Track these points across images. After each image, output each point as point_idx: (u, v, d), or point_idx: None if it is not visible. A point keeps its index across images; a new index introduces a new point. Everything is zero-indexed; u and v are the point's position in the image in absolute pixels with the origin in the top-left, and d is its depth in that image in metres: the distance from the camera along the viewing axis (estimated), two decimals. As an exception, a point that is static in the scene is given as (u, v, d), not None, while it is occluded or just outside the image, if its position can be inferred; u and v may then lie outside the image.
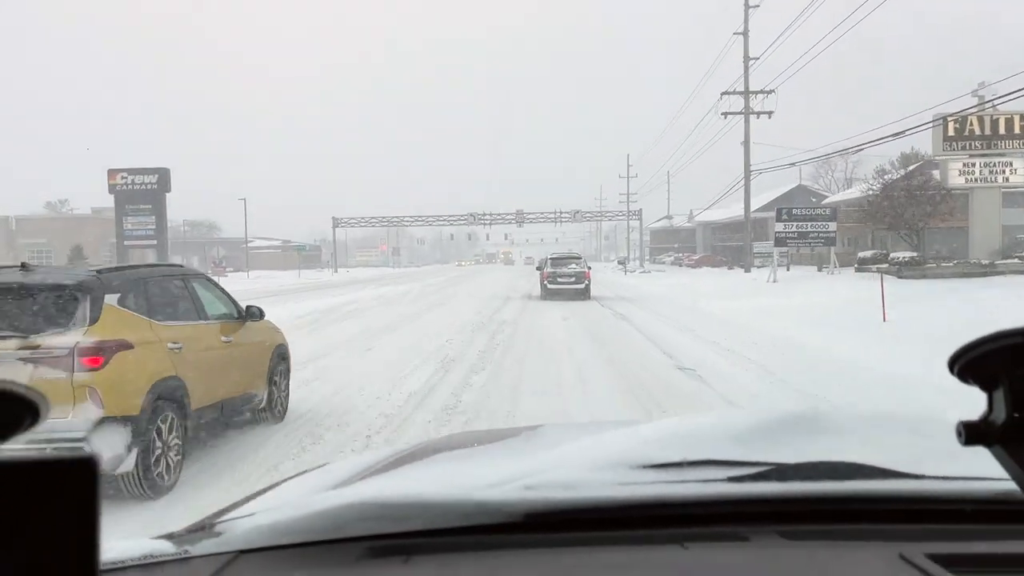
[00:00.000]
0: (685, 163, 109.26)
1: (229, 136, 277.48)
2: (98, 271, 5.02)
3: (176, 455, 5.06)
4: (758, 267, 54.48)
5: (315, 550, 1.01)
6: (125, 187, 51.82)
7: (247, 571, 0.99)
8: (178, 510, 4.49)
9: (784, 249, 34.87)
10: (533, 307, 22.68)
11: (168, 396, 4.95)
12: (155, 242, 52.83)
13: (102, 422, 4.41)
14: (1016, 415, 0.70)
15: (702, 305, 21.45)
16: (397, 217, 79.65)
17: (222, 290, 6.71)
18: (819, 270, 37.85)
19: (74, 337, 4.45)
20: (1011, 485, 0.73)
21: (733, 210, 66.37)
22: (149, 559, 1.02)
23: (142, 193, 51.96)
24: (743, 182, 42.47)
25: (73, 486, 0.41)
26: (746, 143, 41.07)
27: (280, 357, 7.16)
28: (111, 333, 4.62)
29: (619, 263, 68.52)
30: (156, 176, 52.34)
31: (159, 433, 4.83)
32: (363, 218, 79.18)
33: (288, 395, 7.38)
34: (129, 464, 4.52)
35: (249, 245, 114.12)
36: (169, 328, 5.30)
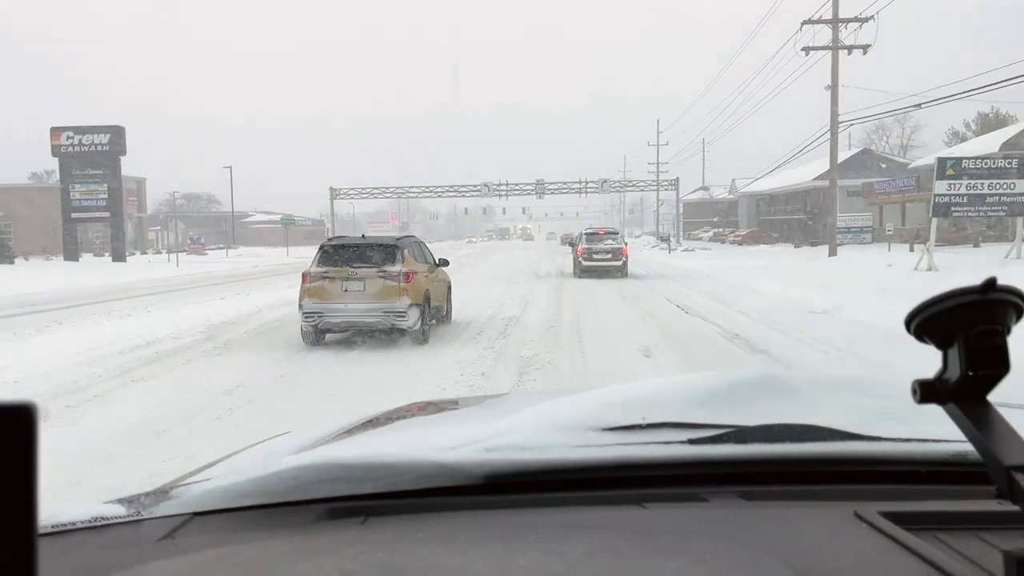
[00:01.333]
0: (726, 127, 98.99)
1: (237, 107, 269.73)
2: (397, 239, 11.32)
3: (426, 326, 10.97)
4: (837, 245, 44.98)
5: (272, 512, 1.00)
6: (71, 149, 43.27)
7: (200, 533, 0.98)
8: (433, 348, 10.20)
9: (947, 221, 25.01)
10: (570, 287, 19.87)
11: (426, 298, 10.87)
12: (108, 214, 44.32)
13: (409, 306, 10.34)
14: (969, 373, 0.72)
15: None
16: (402, 187, 70.64)
17: (430, 251, 12.75)
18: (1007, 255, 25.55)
19: (398, 268, 10.52)
20: (965, 447, 0.75)
21: (784, 178, 56.82)
22: (99, 521, 1.02)
23: (92, 156, 43.42)
24: (813, 143, 33.33)
25: (9, 433, 0.40)
26: (833, 86, 31.80)
27: (449, 289, 13.02)
28: (409, 267, 10.70)
29: (661, 240, 59.31)
30: (108, 136, 43.73)
31: (423, 313, 10.72)
32: (364, 188, 70.33)
33: (452, 309, 13.17)
34: (417, 325, 10.48)
35: (248, 220, 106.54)
36: (421, 266, 11.39)
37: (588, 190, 68.13)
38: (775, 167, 53.64)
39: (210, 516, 1.02)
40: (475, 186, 69.15)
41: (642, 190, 69.32)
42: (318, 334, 10.63)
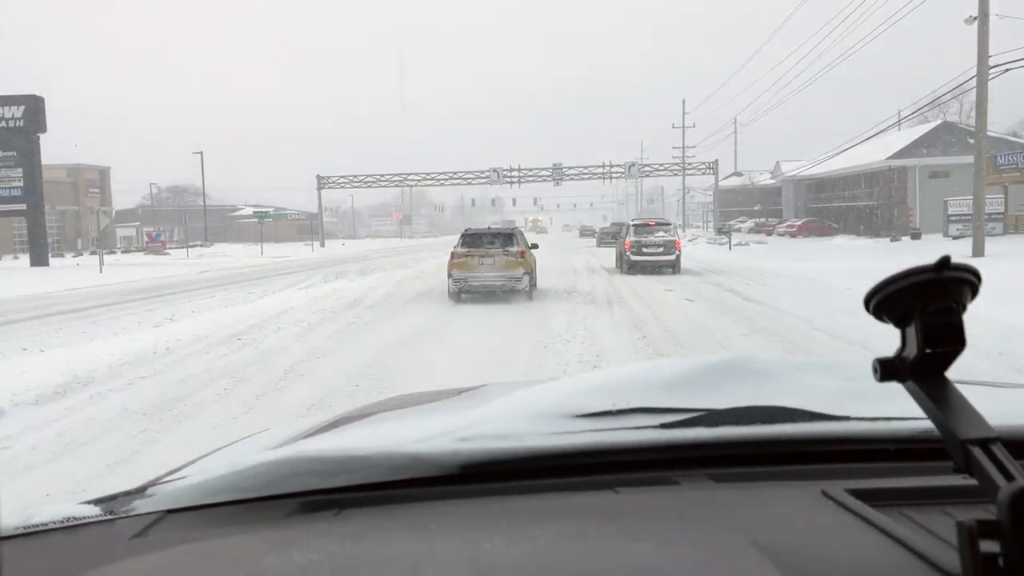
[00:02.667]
0: (759, 107, 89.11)
1: (234, 97, 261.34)
2: (512, 229, 16.74)
3: (532, 287, 15.61)
4: (953, 237, 35.09)
5: (245, 507, 1.00)
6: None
7: (173, 530, 0.98)
8: (533, 299, 14.94)
9: None
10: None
11: (532, 269, 15.59)
12: (24, 206, 35.42)
13: (523, 274, 15.12)
14: (927, 351, 0.73)
15: None
16: (399, 175, 61.45)
17: (525, 239, 16.82)
18: None
19: (516, 248, 15.43)
20: (930, 423, 0.76)
21: (843, 160, 47.38)
22: (72, 521, 1.01)
23: (1, 133, 34.54)
24: (913, 112, 23.89)
25: None
26: (982, 14, 22.52)
27: (535, 263, 16.55)
28: (523, 247, 15.67)
29: (719, 232, 50.01)
30: (22, 108, 34.81)
31: (531, 279, 15.50)
32: (355, 176, 61.25)
33: (537, 281, 16.58)
34: (527, 286, 15.22)
35: (236, 214, 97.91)
36: (525, 248, 15.86)
37: (613, 175, 58.81)
38: (847, 146, 44.14)
39: (183, 513, 1.02)
40: (483, 172, 59.95)
41: (675, 174, 60.08)
42: (459, 294, 15.40)
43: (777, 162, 65.83)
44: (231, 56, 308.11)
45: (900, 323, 0.75)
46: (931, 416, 0.75)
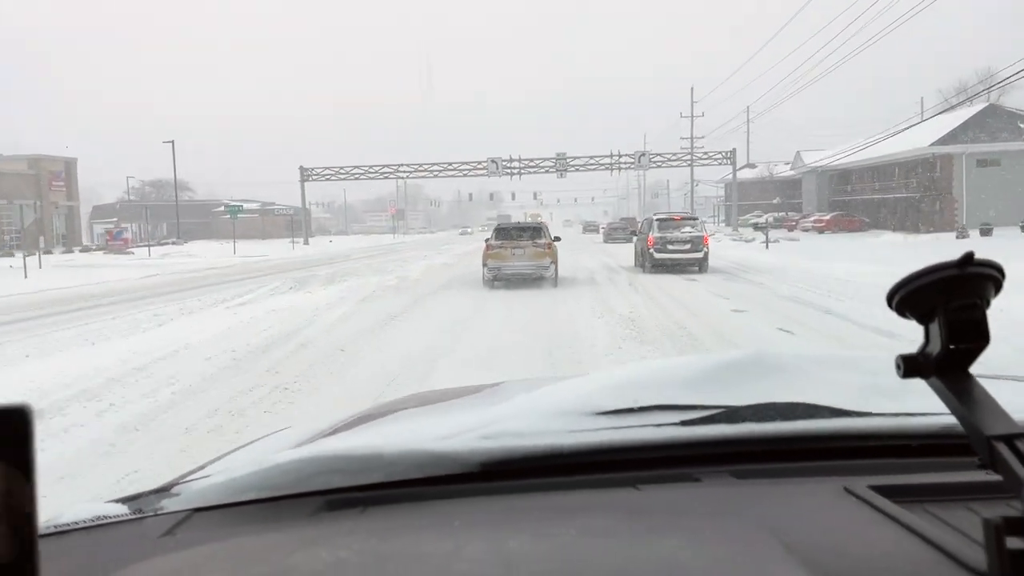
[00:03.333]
0: (773, 97, 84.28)
1: (222, 87, 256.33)
2: (538, 224, 19.06)
3: (556, 275, 17.50)
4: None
5: (271, 505, 1.00)
6: None
7: (201, 528, 0.99)
8: (558, 285, 16.68)
9: None
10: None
11: (554, 259, 17.37)
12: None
13: (550, 263, 17.12)
14: (951, 346, 0.73)
15: None
16: (390, 166, 56.44)
17: (549, 231, 18.36)
18: None
19: (544, 240, 17.43)
20: (953, 419, 0.76)
21: (874, 150, 42.75)
22: (101, 520, 1.02)
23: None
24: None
25: (6, 435, 0.39)
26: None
27: (555, 257, 17.76)
28: (548, 239, 17.58)
29: (756, 228, 45.43)
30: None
31: (556, 268, 17.45)
32: (342, 168, 56.37)
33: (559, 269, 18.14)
34: (553, 274, 17.22)
35: (220, 210, 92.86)
36: (549, 239, 17.75)
37: (622, 165, 54.06)
38: (881, 134, 39.41)
39: (210, 512, 1.03)
40: (479, 163, 55.16)
41: (688, 164, 55.23)
42: (493, 281, 17.19)
43: (798, 152, 61.11)
44: (228, 47, 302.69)
45: (923, 319, 0.74)
46: (955, 412, 0.75)
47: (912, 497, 0.90)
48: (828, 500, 0.93)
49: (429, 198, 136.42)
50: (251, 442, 1.69)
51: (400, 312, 12.65)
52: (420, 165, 56.12)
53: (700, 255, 20.33)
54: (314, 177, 56.42)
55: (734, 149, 54.14)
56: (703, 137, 60.85)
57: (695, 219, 21.88)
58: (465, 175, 55.99)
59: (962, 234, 34.39)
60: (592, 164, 54.05)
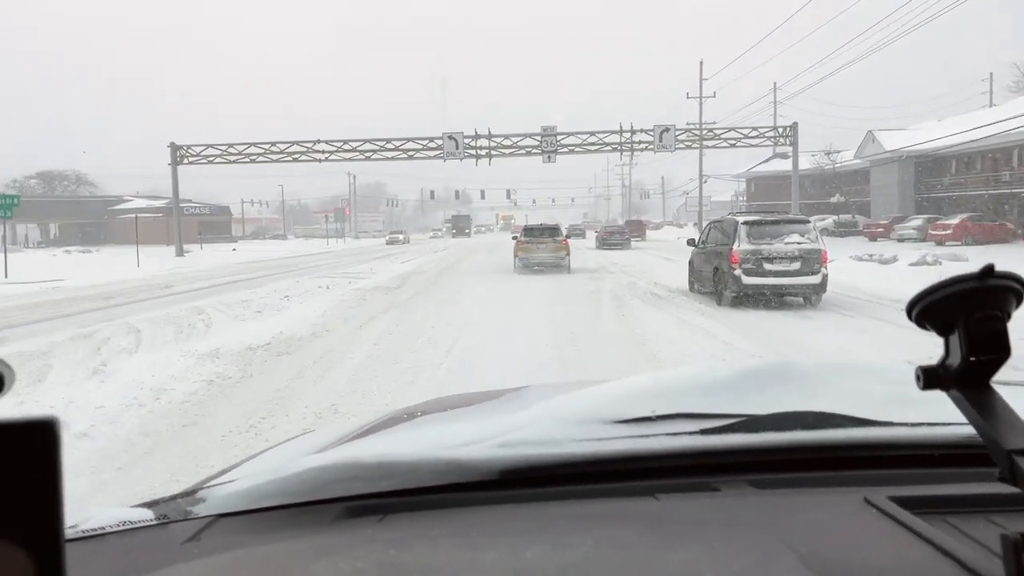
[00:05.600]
0: (800, 67, 67.58)
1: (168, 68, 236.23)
2: (555, 225, 25.93)
3: (570, 265, 23.31)
4: None
5: (292, 512, 1.02)
6: None
7: (224, 534, 1.00)
8: (573, 272, 22.18)
9: None
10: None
11: (568, 252, 23.39)
12: None
13: (566, 255, 22.96)
14: (971, 359, 0.72)
15: None
16: (305, 143, 39.04)
17: (562, 230, 25.48)
18: None
19: (561, 237, 23.74)
20: (973, 430, 0.76)
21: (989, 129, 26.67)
22: (127, 525, 1.04)
23: None
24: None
25: (33, 449, 0.40)
26: None
27: (568, 250, 23.40)
28: (564, 237, 24.18)
29: (900, 242, 29.62)
30: None
31: (569, 259, 23.31)
32: (231, 145, 39.00)
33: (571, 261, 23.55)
34: (568, 264, 23.00)
35: (120, 207, 74.97)
36: (564, 237, 24.40)
37: (636, 145, 37.30)
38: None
39: (233, 517, 1.04)
40: (435, 139, 38.34)
41: (732, 145, 38.71)
42: (522, 268, 22.50)
43: (869, 132, 45.02)
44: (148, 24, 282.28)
45: (943, 332, 0.74)
46: (975, 425, 0.74)
47: (932, 509, 0.89)
48: (848, 511, 0.92)
49: (390, 197, 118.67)
50: (273, 446, 1.73)
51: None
52: (344, 142, 38.78)
53: (816, 280, 12.92)
54: (191, 159, 38.92)
55: (795, 123, 37.75)
56: (714, 123, 44.62)
57: (805, 222, 13.96)
58: (411, 157, 38.94)
59: None
60: (594, 143, 37.20)
